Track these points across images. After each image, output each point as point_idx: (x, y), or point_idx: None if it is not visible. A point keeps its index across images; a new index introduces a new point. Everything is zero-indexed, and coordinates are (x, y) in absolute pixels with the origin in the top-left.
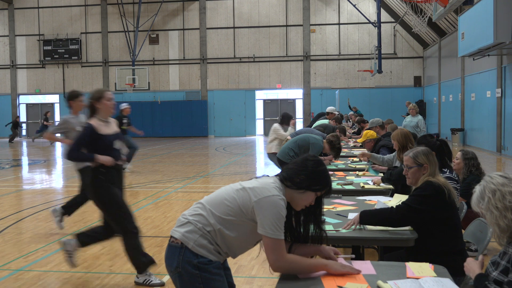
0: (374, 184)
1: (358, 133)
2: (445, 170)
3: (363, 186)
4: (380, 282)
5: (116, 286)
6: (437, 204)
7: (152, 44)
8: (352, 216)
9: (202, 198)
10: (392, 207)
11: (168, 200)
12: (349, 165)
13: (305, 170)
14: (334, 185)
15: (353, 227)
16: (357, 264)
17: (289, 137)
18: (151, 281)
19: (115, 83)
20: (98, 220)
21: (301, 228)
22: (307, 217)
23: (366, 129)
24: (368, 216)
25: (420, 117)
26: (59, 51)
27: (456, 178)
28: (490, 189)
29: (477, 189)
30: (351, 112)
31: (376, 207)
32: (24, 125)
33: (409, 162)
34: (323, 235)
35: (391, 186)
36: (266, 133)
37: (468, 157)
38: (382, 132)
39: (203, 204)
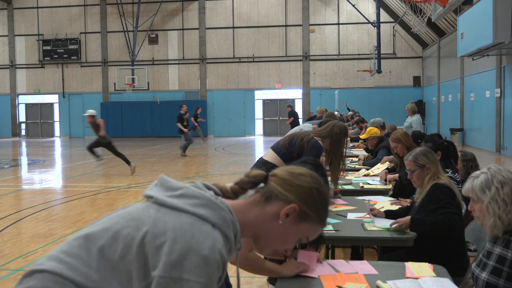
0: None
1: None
2: (448, 170)
3: (362, 186)
4: (379, 282)
5: None
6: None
7: (152, 44)
8: (352, 216)
9: None
10: (438, 217)
11: None
12: (349, 165)
13: None
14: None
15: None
16: (356, 264)
17: None
18: None
19: (115, 83)
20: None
21: None
22: None
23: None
24: (419, 223)
25: (415, 117)
26: (59, 51)
27: (458, 179)
28: (499, 180)
29: (482, 176)
30: (350, 112)
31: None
32: (23, 125)
33: (411, 166)
34: (319, 240)
35: (390, 186)
36: (265, 133)
37: (467, 159)
38: (383, 132)
39: None
